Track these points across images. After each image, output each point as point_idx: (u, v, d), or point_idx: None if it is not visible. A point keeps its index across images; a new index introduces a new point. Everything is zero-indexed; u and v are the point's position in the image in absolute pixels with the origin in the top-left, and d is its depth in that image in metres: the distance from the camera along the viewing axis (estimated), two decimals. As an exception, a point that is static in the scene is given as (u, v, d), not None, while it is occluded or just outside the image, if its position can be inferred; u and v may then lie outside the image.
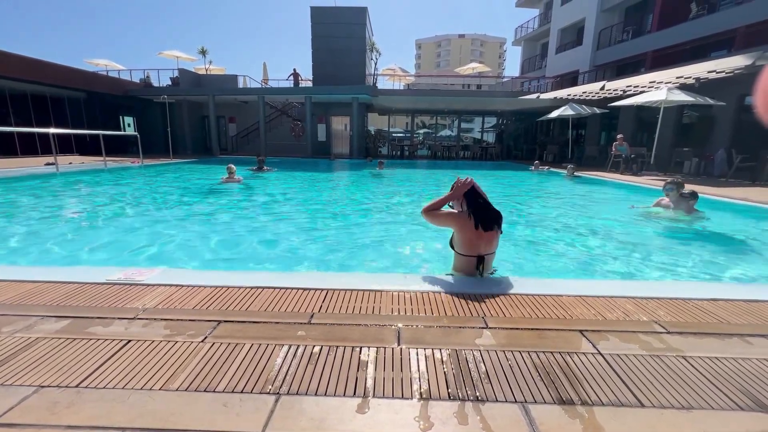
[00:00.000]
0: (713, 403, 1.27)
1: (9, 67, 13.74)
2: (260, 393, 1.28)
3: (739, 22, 13.00)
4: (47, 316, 1.77)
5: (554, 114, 15.18)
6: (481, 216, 2.32)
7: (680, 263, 3.68)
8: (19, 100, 15.10)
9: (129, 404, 1.22)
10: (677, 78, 11.04)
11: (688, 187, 5.52)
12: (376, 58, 22.42)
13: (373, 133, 23.48)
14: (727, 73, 10.07)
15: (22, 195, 6.80)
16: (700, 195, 5.21)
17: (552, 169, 13.38)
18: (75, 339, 1.59)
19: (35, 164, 10.68)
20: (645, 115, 14.45)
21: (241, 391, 1.29)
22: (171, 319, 1.76)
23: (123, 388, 1.30)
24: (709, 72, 10.20)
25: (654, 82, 11.77)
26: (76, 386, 1.30)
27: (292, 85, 20.45)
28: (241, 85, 21.38)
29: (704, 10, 14.95)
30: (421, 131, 29.48)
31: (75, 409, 1.19)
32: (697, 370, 1.45)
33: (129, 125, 20.14)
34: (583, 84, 18.03)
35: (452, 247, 2.50)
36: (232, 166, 8.61)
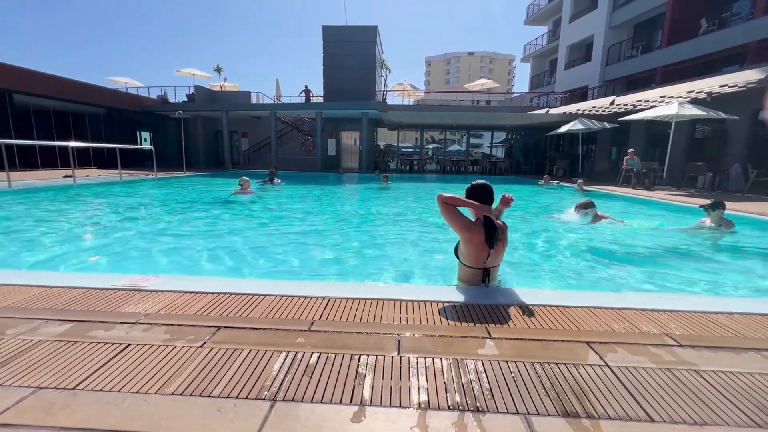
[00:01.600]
0: (728, 419, 1.20)
1: (35, 84, 14.38)
2: (255, 399, 1.26)
3: (750, 37, 12.92)
4: (51, 319, 1.79)
5: (564, 129, 15.12)
6: (488, 231, 2.27)
7: (696, 276, 3.57)
8: (42, 115, 15.70)
9: (123, 408, 1.21)
10: (688, 92, 10.96)
11: (703, 202, 5.41)
12: (386, 75, 22.84)
13: (382, 148, 23.70)
14: (739, 87, 9.97)
15: (39, 204, 6.98)
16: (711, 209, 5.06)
17: (562, 184, 13.26)
18: (76, 342, 1.59)
19: (54, 177, 11.01)
20: (656, 129, 14.30)
21: (237, 397, 1.27)
22: (171, 324, 1.76)
23: (119, 391, 1.29)
24: (720, 86, 10.12)
25: (665, 96, 11.70)
26: (73, 388, 1.30)
27: (303, 101, 20.89)
28: (254, 101, 21.89)
29: (714, 26, 14.92)
30: (431, 146, 29.66)
31: (70, 410, 1.19)
32: (711, 384, 1.38)
33: (145, 140, 20.72)
34: (593, 99, 18.02)
35: (457, 256, 2.46)
36: (246, 178, 8.77)
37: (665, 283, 3.42)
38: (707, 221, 5.10)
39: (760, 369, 1.48)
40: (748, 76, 9.20)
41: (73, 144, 10.17)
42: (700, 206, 5.17)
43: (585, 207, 5.70)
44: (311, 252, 4.39)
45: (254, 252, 4.28)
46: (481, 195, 2.35)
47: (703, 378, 1.42)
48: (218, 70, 22.73)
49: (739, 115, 10.68)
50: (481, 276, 2.33)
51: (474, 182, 2.45)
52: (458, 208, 2.39)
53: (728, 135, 12.03)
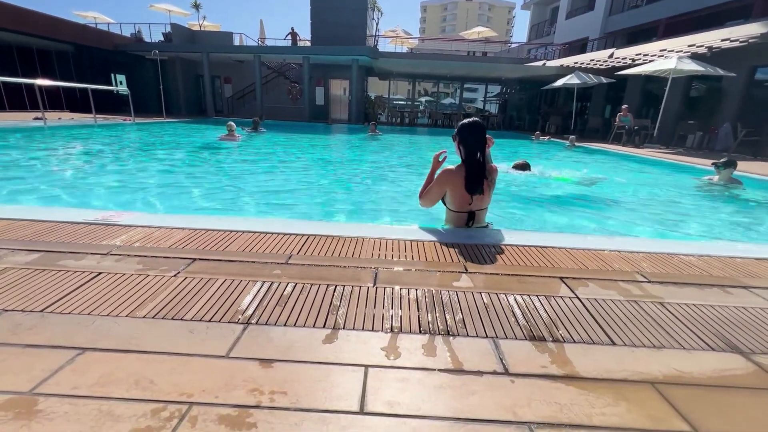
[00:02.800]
0: (685, 343, 1.26)
1: (-9, 14, 13.07)
2: (229, 322, 1.26)
3: (760, -13, 12.32)
4: (18, 249, 1.73)
5: (559, 83, 14.69)
6: (470, 177, 2.17)
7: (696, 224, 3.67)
8: (3, 51, 14.48)
9: (92, 328, 1.20)
10: (689, 46, 10.61)
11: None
12: (378, 18, 21.44)
13: (373, 98, 22.86)
14: (741, 42, 9.67)
15: (5, 145, 6.63)
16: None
17: (553, 139, 13.16)
18: (44, 270, 1.55)
19: (23, 118, 10.39)
20: (652, 86, 14.01)
21: (209, 320, 1.27)
22: (145, 256, 1.72)
23: (89, 314, 1.27)
24: (722, 40, 9.80)
25: (665, 50, 11.33)
26: (41, 311, 1.28)
27: (290, 45, 19.65)
28: (236, 43, 20.50)
29: (725, -26, 14.12)
30: (423, 99, 28.74)
31: (37, 330, 1.17)
32: (673, 315, 1.43)
33: (121, 83, 19.47)
34: (592, 51, 17.37)
35: (443, 202, 2.42)
36: (232, 123, 8.54)
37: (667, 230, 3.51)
38: (715, 179, 5.19)
39: (720, 302, 1.55)
40: (752, 29, 8.88)
41: (40, 82, 9.48)
42: (713, 164, 5.27)
43: (522, 168, 5.69)
44: (295, 194, 4.33)
45: (239, 193, 4.20)
46: (467, 135, 2.21)
47: (666, 309, 1.47)
48: (196, 6, 21.01)
49: (736, 71, 10.47)
50: (465, 219, 2.31)
51: (463, 121, 2.30)
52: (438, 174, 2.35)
53: (723, 93, 11.88)
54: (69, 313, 1.27)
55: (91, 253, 1.72)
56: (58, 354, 1.07)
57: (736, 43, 9.81)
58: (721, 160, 5.17)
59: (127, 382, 0.97)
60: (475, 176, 2.19)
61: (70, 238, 1.89)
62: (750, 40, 9.43)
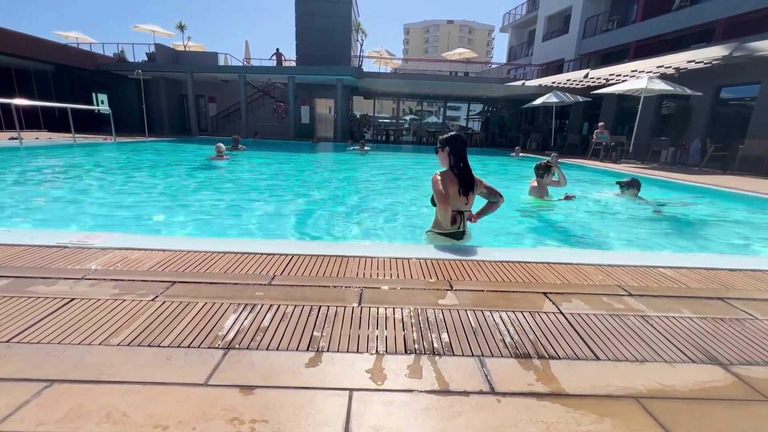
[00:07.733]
0: (666, 356, 1.28)
1: (-32, 34, 12.83)
2: (208, 348, 1.22)
3: (720, 14, 13.19)
4: (-15, 275, 1.65)
5: (538, 101, 15.21)
6: (462, 181, 2.42)
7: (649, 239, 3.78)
8: (-20, 70, 14.16)
9: (62, 358, 1.14)
10: (658, 67, 11.18)
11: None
12: (362, 40, 21.94)
13: (358, 117, 23.16)
14: (705, 63, 10.25)
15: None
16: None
17: (531, 155, 13.51)
18: (12, 297, 1.48)
19: (-2, 138, 10.09)
20: (626, 104, 14.65)
21: (188, 346, 1.22)
22: (122, 280, 1.66)
23: (59, 343, 1.21)
24: (688, 62, 10.36)
25: (636, 71, 11.89)
26: (7, 341, 1.21)
27: (274, 65, 19.84)
28: (221, 63, 20.60)
29: (687, 2, 15.10)
30: (407, 117, 29.29)
31: (2, 362, 1.11)
32: (654, 328, 1.46)
33: (102, 102, 19.20)
34: (568, 72, 18.12)
35: (433, 203, 2.54)
36: (221, 145, 8.67)
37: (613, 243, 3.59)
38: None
39: (698, 314, 1.58)
40: (714, 52, 9.44)
41: (17, 102, 9.26)
42: (617, 183, 5.10)
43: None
44: (283, 213, 4.29)
45: (225, 214, 4.14)
46: (456, 145, 2.45)
47: (647, 323, 1.50)
48: (181, 27, 21.05)
49: (702, 91, 11.06)
50: (454, 216, 2.43)
51: (450, 134, 2.51)
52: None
53: (691, 111, 12.50)
54: (38, 342, 1.21)
55: (64, 278, 1.66)
56: (24, 387, 1.01)
57: (701, 65, 10.39)
58: (625, 180, 4.97)
59: (99, 415, 0.92)
60: (465, 178, 2.43)
61: (41, 262, 1.81)
62: (714, 62, 10.01)
